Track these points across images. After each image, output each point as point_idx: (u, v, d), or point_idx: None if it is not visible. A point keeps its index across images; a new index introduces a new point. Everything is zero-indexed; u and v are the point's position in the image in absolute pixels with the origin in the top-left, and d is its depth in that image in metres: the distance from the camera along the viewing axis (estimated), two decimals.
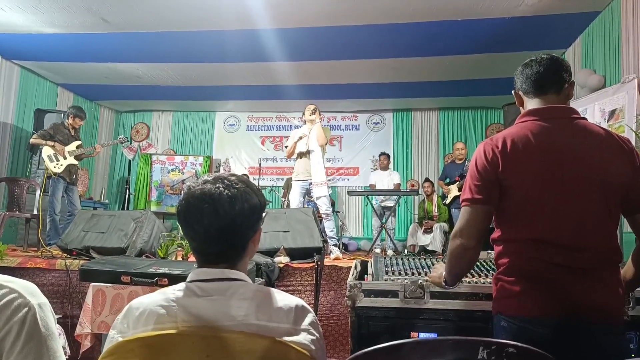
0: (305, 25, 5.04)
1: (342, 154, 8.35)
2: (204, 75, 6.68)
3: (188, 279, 0.96)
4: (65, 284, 3.27)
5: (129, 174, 7.79)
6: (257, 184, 1.07)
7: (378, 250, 5.66)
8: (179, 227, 1.00)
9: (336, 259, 3.87)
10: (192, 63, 6.20)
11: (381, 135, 8.32)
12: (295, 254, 3.45)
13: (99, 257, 3.19)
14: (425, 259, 2.05)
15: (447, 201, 5.99)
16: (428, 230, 6.25)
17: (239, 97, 7.81)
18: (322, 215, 4.55)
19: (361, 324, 1.63)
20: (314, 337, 0.92)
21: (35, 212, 4.62)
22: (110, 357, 0.85)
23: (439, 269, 1.53)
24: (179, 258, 3.44)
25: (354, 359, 0.86)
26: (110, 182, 8.62)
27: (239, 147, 8.63)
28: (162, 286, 2.02)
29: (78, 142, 4.92)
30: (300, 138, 4.61)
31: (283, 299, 0.96)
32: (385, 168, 6.63)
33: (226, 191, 0.95)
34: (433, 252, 5.85)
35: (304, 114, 4.73)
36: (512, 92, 1.45)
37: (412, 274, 1.83)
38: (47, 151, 4.64)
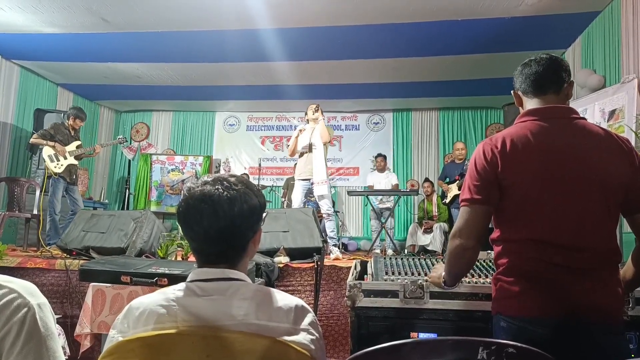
0: (305, 25, 5.04)
1: (342, 154, 8.36)
2: (204, 75, 6.68)
3: (188, 279, 0.97)
4: (65, 284, 3.27)
5: (128, 173, 7.80)
6: (257, 184, 1.07)
7: (378, 251, 5.67)
8: (179, 227, 1.00)
9: (336, 259, 3.87)
10: (192, 63, 6.20)
11: (381, 135, 8.32)
12: (295, 254, 3.45)
13: (99, 257, 3.20)
14: (425, 259, 2.05)
15: (447, 200, 5.99)
16: (428, 230, 6.26)
17: (239, 97, 7.81)
18: (324, 215, 4.54)
19: (361, 324, 1.63)
20: (313, 337, 0.92)
21: (35, 212, 4.62)
22: (111, 356, 0.85)
23: (439, 269, 1.53)
24: (179, 258, 3.44)
25: (353, 359, 0.86)
26: (110, 182, 8.62)
27: (239, 147, 8.63)
28: (162, 286, 2.02)
29: (78, 143, 4.94)
30: (301, 131, 4.59)
31: (283, 298, 0.96)
32: (382, 169, 6.63)
33: (225, 192, 0.95)
34: (433, 252, 5.85)
35: (306, 113, 4.71)
36: (512, 92, 1.45)
37: (412, 274, 1.84)
38: (47, 151, 4.66)
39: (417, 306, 1.59)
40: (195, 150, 8.59)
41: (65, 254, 3.68)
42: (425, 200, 6.65)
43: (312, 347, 0.90)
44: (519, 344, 0.88)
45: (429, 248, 6.11)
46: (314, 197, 4.75)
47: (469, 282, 1.67)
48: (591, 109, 4.05)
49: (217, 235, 0.94)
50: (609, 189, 1.23)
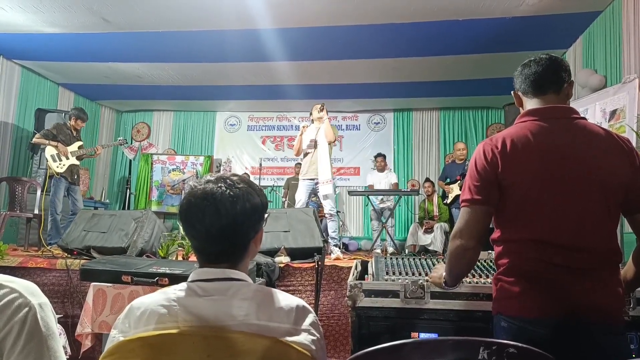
0: (306, 25, 5.04)
1: (342, 154, 8.36)
2: (204, 75, 6.69)
3: (189, 279, 0.97)
4: (66, 284, 3.27)
5: (129, 173, 7.81)
6: (257, 184, 1.08)
7: (379, 251, 5.67)
8: (180, 226, 1.01)
9: (337, 259, 3.87)
10: (192, 63, 6.20)
11: (382, 135, 8.32)
12: (295, 253, 3.45)
13: (100, 257, 3.20)
14: (425, 259, 2.05)
15: (448, 201, 5.99)
16: (428, 230, 6.25)
17: (240, 96, 7.81)
18: (326, 215, 4.54)
19: (362, 324, 1.63)
20: (314, 338, 0.92)
21: (37, 211, 4.64)
22: (112, 356, 0.85)
23: (439, 270, 1.52)
24: (180, 258, 3.44)
25: (354, 359, 0.86)
26: (111, 182, 8.63)
27: (239, 147, 8.64)
28: (163, 286, 2.02)
29: (80, 143, 4.99)
30: (304, 128, 4.58)
31: (284, 299, 0.96)
32: (382, 169, 6.62)
33: (228, 191, 0.95)
34: (434, 252, 5.85)
35: (311, 113, 4.69)
36: (512, 92, 1.45)
37: (413, 274, 1.83)
38: (50, 151, 4.70)
39: (417, 306, 1.59)
40: (196, 150, 8.60)
41: (66, 254, 3.68)
42: (426, 200, 6.65)
43: (313, 347, 0.91)
44: (520, 344, 0.88)
45: (430, 248, 6.11)
46: (315, 197, 4.75)
47: (469, 282, 1.67)
48: (592, 109, 4.04)
49: (219, 234, 0.94)
50: (609, 189, 1.22)
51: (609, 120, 3.80)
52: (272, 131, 8.65)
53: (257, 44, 5.43)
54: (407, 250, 6.27)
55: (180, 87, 7.21)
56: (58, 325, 0.92)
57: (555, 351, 0.90)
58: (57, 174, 4.69)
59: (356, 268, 2.10)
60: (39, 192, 4.72)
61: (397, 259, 2.06)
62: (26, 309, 0.83)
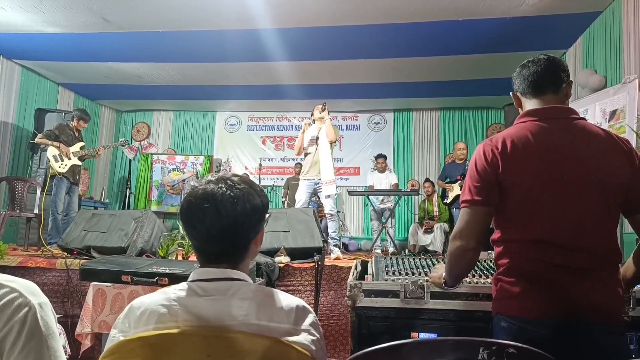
0: (306, 25, 5.04)
1: (342, 153, 8.36)
2: (204, 74, 6.69)
3: (189, 279, 0.97)
4: (66, 284, 3.27)
5: (129, 173, 7.81)
6: (257, 184, 1.08)
7: (379, 251, 5.67)
8: (180, 226, 1.01)
9: (336, 259, 3.87)
10: (192, 63, 6.20)
11: (382, 135, 8.32)
12: (295, 253, 3.45)
13: (100, 257, 3.20)
14: (425, 259, 2.05)
15: (448, 200, 5.99)
16: (428, 231, 6.26)
17: (240, 96, 7.81)
18: (326, 215, 4.53)
19: (361, 324, 1.63)
20: (314, 338, 0.92)
21: (36, 211, 4.65)
22: (112, 356, 0.85)
23: (439, 270, 1.52)
24: (180, 258, 3.44)
25: (354, 359, 0.86)
26: (110, 182, 8.63)
27: (239, 147, 8.64)
28: (163, 286, 2.02)
29: (82, 144, 5.03)
30: (307, 125, 4.57)
31: (284, 299, 0.96)
32: (382, 170, 6.62)
33: (229, 191, 0.95)
34: (433, 252, 5.85)
35: (312, 114, 4.67)
36: (510, 93, 1.45)
37: (413, 274, 1.84)
38: (52, 151, 4.73)
39: (417, 306, 1.59)
40: (196, 150, 8.60)
41: (66, 254, 3.68)
42: (426, 200, 6.65)
43: (313, 347, 0.91)
44: (520, 344, 0.88)
45: (430, 248, 6.11)
46: (315, 197, 4.75)
47: (469, 283, 1.67)
48: (592, 109, 4.04)
49: (219, 234, 0.94)
50: (609, 189, 1.23)
51: (608, 121, 3.80)
52: (272, 131, 8.65)
53: (257, 44, 5.43)
54: (407, 251, 6.27)
55: (180, 87, 7.21)
56: (58, 324, 0.92)
57: (555, 351, 0.90)
58: (59, 174, 4.72)
59: (356, 268, 2.10)
60: (38, 192, 4.74)
61: (396, 259, 2.06)
62: (26, 308, 0.83)
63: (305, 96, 7.22)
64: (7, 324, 0.81)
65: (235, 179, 1.00)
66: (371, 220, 6.56)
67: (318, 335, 0.94)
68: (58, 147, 4.74)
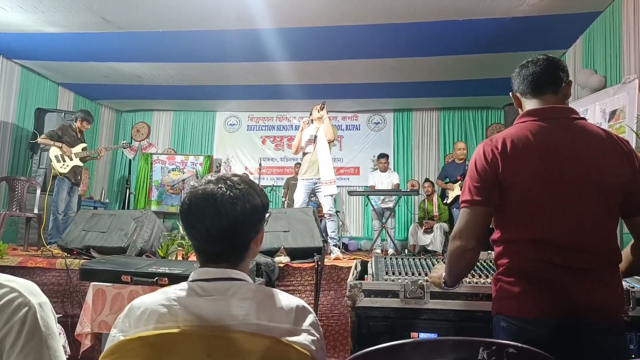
0: (306, 25, 5.04)
1: (342, 153, 8.36)
2: (204, 74, 6.68)
3: (190, 279, 0.97)
4: (66, 283, 3.27)
5: (129, 173, 7.81)
6: (257, 184, 1.08)
7: (379, 251, 5.67)
8: (179, 226, 1.01)
9: (336, 259, 3.87)
10: (192, 62, 6.20)
11: (382, 135, 8.32)
12: (295, 253, 3.45)
13: (100, 257, 3.20)
14: (425, 259, 2.05)
15: (448, 200, 5.99)
16: (428, 230, 6.26)
17: (240, 96, 7.81)
18: (325, 215, 4.53)
19: (361, 324, 1.63)
20: (314, 338, 0.92)
21: (36, 211, 4.65)
22: (112, 356, 0.85)
23: (439, 270, 1.53)
24: (179, 257, 3.44)
25: (354, 359, 0.86)
26: (110, 182, 8.62)
27: (239, 146, 8.63)
28: (163, 285, 2.03)
29: (84, 145, 5.06)
30: (305, 124, 4.56)
31: (284, 299, 0.96)
32: (384, 170, 6.61)
33: (228, 191, 0.95)
34: (433, 252, 5.86)
35: (311, 114, 4.66)
36: (510, 93, 1.45)
37: (412, 274, 1.84)
38: (54, 151, 4.76)
39: (417, 306, 1.59)
40: (196, 149, 8.60)
41: (65, 253, 3.68)
42: (426, 200, 6.65)
43: (313, 347, 0.91)
44: (520, 344, 0.88)
45: (430, 248, 6.11)
46: (314, 196, 4.74)
47: (469, 283, 1.67)
48: (592, 110, 4.04)
49: (219, 234, 0.94)
50: (609, 189, 1.23)
51: (608, 121, 3.80)
52: (272, 131, 8.65)
53: (257, 44, 5.43)
54: (406, 251, 6.27)
55: (180, 87, 7.21)
56: (58, 324, 0.92)
57: (555, 351, 0.90)
58: (61, 174, 4.76)
59: (356, 268, 2.10)
60: (38, 192, 4.75)
61: (396, 259, 2.06)
62: (26, 308, 0.83)
63: (305, 96, 7.22)
64: (7, 323, 0.81)
65: (235, 178, 0.99)
66: (372, 220, 6.55)
67: (318, 335, 0.94)
68: (60, 148, 4.77)
